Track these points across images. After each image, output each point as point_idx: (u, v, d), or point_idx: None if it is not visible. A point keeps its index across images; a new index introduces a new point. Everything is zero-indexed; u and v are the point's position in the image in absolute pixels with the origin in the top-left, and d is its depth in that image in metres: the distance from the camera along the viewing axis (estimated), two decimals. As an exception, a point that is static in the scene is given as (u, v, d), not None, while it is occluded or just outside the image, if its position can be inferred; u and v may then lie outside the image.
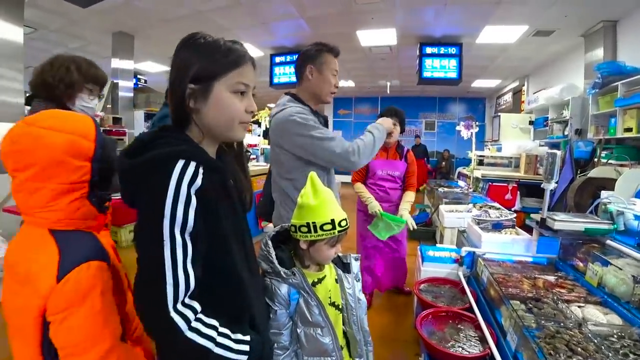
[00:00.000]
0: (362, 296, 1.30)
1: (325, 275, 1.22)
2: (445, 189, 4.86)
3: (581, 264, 1.90)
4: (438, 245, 2.82)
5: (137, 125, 5.40)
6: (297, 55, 1.73)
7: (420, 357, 1.76)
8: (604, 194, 2.61)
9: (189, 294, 0.73)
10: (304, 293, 1.13)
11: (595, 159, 4.00)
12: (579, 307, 1.57)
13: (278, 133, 1.62)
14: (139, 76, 6.96)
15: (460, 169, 6.87)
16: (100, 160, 0.97)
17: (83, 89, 1.45)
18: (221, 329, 0.77)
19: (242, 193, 0.93)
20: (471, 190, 4.89)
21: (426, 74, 5.45)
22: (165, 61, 7.24)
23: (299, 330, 1.13)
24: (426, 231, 4.51)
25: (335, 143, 1.57)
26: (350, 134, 11.44)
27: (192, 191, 0.73)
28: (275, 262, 1.11)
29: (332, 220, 1.11)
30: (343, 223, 1.14)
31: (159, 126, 0.84)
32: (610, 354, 1.23)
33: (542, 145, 5.15)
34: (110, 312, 0.94)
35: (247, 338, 0.82)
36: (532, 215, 2.17)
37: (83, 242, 0.95)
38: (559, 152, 1.88)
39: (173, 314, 0.70)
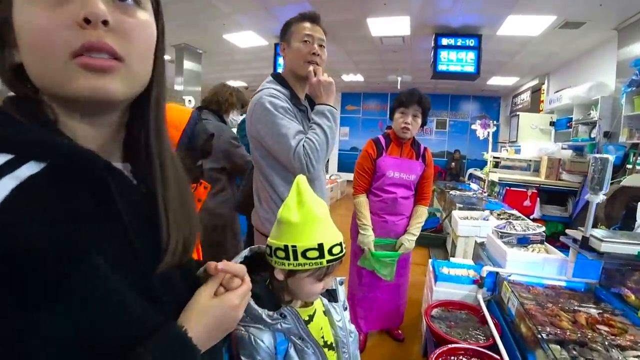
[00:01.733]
0: (352, 327, 1.02)
1: (315, 310, 0.92)
2: (457, 193, 4.50)
3: (632, 296, 1.56)
4: (452, 259, 2.46)
5: None
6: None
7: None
8: (644, 206, 2.26)
9: None
10: (296, 340, 0.82)
11: (629, 166, 3.61)
12: (638, 357, 1.23)
13: (248, 117, 1.39)
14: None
15: (471, 171, 6.49)
16: (185, 148, 1.09)
17: (235, 108, 2.17)
18: None
19: (155, 221, 0.47)
20: (485, 194, 4.53)
21: (441, 67, 5.05)
22: (166, 50, 7.04)
23: None
24: (436, 238, 4.16)
25: (292, 142, 1.28)
26: (359, 131, 11.09)
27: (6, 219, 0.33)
28: (252, 302, 0.78)
29: (320, 246, 0.80)
30: (336, 250, 0.82)
31: None
32: None
33: (565, 148, 4.75)
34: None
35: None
36: (567, 232, 1.81)
37: None
38: (611, 158, 1.52)
39: None
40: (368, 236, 1.97)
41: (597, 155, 1.54)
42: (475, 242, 2.44)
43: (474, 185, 5.54)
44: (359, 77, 8.80)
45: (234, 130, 2.38)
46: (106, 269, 0.38)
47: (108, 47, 0.39)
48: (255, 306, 0.79)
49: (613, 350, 1.24)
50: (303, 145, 1.27)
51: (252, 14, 4.82)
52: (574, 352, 1.24)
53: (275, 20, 5.02)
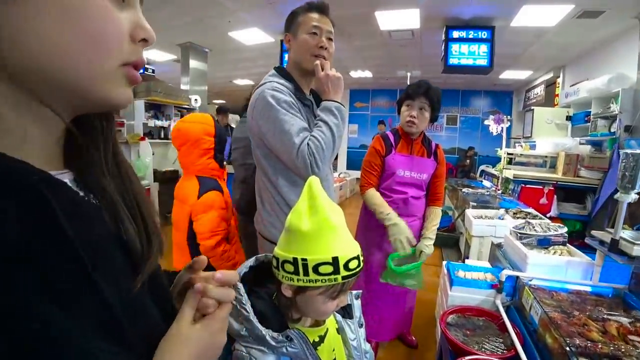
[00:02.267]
0: (367, 346, 0.92)
1: (327, 330, 0.82)
2: (470, 190, 4.36)
3: (667, 303, 1.43)
4: (467, 261, 2.34)
5: (138, 115, 4.98)
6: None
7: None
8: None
9: None
10: None
11: (652, 161, 3.43)
12: (679, 372, 1.11)
13: (250, 112, 1.31)
14: (146, 66, 6.67)
15: (483, 167, 6.32)
16: (217, 137, 1.66)
17: None
18: None
19: (126, 231, 0.42)
20: (499, 192, 4.38)
21: (452, 61, 4.89)
22: (172, 49, 7.05)
23: None
24: (449, 237, 4.04)
25: (296, 140, 1.19)
26: (367, 129, 10.93)
27: None
28: (255, 321, 0.70)
29: (335, 260, 0.69)
30: (353, 264, 0.71)
31: None
32: None
33: (583, 144, 4.56)
34: (222, 220, 1.63)
35: None
36: (593, 233, 1.69)
37: (211, 181, 1.67)
38: (642, 153, 1.39)
39: None
40: (399, 224, 1.75)
41: (629, 151, 1.41)
42: (492, 243, 2.32)
43: (486, 183, 5.38)
44: (368, 73, 8.66)
45: None
46: (57, 320, 0.30)
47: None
48: (259, 326, 0.70)
49: (650, 364, 1.13)
50: (308, 143, 1.18)
51: (257, 11, 4.73)
52: (607, 367, 1.13)
53: (281, 17, 4.89)
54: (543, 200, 3.86)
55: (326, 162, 1.25)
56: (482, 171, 6.24)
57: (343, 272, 0.70)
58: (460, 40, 4.83)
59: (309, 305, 0.75)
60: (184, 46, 6.34)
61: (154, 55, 6.99)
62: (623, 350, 1.20)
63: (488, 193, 4.25)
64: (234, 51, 6.63)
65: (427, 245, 1.86)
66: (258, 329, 0.69)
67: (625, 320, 1.42)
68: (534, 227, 1.99)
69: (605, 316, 1.44)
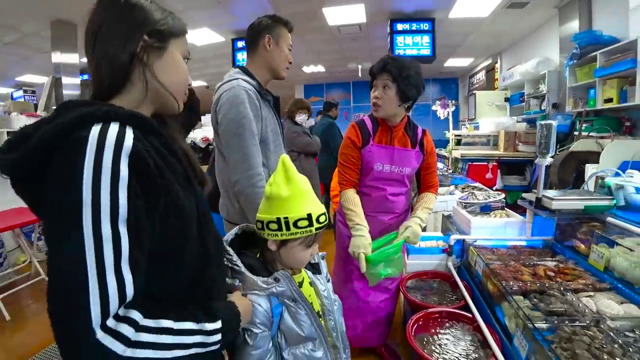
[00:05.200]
0: (336, 297, 1.10)
1: (303, 279, 1.01)
2: (425, 172, 4.67)
3: (582, 246, 1.71)
4: (423, 233, 2.58)
5: None
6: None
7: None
8: (590, 167, 2.46)
9: (124, 304, 0.54)
10: (290, 303, 0.91)
11: (575, 133, 3.89)
12: (589, 297, 1.37)
13: (215, 107, 1.43)
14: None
15: (436, 150, 6.73)
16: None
17: (298, 112, 3.79)
18: (179, 324, 0.60)
19: (193, 164, 0.74)
20: (450, 171, 4.72)
21: (398, 52, 5.17)
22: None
23: (285, 355, 0.91)
24: (407, 217, 4.32)
25: (251, 173, 1.37)
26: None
27: (122, 160, 0.54)
28: (246, 271, 0.87)
29: (309, 215, 0.89)
30: (322, 219, 0.91)
31: (61, 103, 0.64)
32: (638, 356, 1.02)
33: (519, 122, 5.03)
34: None
35: (218, 325, 0.67)
36: (524, 195, 1.96)
37: None
38: (554, 123, 1.66)
39: (101, 336, 0.51)
40: (364, 238, 1.49)
41: (543, 122, 1.68)
42: (443, 215, 2.57)
43: (439, 165, 5.75)
44: (320, 68, 8.82)
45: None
46: (180, 192, 0.64)
47: None
48: (251, 275, 0.87)
49: (568, 293, 1.38)
50: (254, 189, 1.34)
51: (207, 11, 4.72)
52: (535, 300, 1.37)
53: (231, 16, 4.95)
54: (489, 175, 4.24)
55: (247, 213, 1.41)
56: (436, 154, 6.64)
57: (316, 225, 0.90)
58: (404, 32, 5.12)
59: (290, 255, 0.93)
60: (131, 50, 6.15)
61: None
62: (547, 285, 1.45)
63: (440, 173, 4.57)
64: (184, 53, 6.53)
65: (414, 224, 1.58)
66: (250, 278, 0.86)
67: (551, 264, 1.69)
68: (476, 196, 2.25)
69: (535, 262, 1.70)
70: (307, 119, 3.88)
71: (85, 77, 5.89)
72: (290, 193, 0.89)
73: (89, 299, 0.50)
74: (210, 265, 0.72)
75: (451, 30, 5.76)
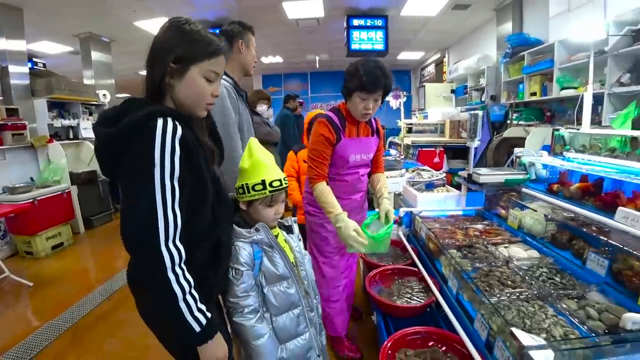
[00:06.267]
0: (306, 252, 1.37)
1: (278, 234, 1.26)
2: (380, 159, 5.05)
3: (503, 211, 2.11)
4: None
5: (40, 116, 4.57)
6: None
7: (373, 315, 1.84)
8: (516, 150, 2.92)
9: (177, 233, 0.84)
10: (267, 249, 1.16)
11: (508, 121, 4.43)
12: (504, 247, 1.75)
13: None
14: (34, 59, 6.02)
15: (390, 139, 7.18)
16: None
17: (259, 102, 3.76)
18: (193, 290, 0.87)
19: (210, 151, 1.03)
20: (402, 157, 5.15)
21: (354, 46, 5.50)
22: (66, 40, 6.50)
23: (265, 291, 1.15)
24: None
25: (235, 154, 1.59)
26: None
27: (176, 141, 0.84)
28: (235, 226, 1.14)
29: (263, 181, 1.15)
30: (275, 184, 1.17)
31: (127, 99, 0.93)
32: (532, 282, 1.40)
33: (463, 111, 5.56)
34: None
35: (209, 315, 0.90)
36: (459, 173, 2.34)
37: None
38: (480, 113, 2.03)
39: (163, 249, 0.81)
40: (348, 224, 1.56)
41: (471, 112, 2.04)
42: (394, 194, 2.93)
43: (392, 151, 6.19)
44: (279, 59, 8.95)
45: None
46: (202, 166, 0.95)
47: None
48: (237, 227, 1.13)
49: (489, 246, 1.75)
50: (236, 168, 1.45)
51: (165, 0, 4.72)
52: (464, 252, 1.73)
53: (189, 5, 4.97)
54: (436, 160, 4.71)
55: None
56: (390, 142, 7.09)
57: (269, 188, 1.15)
58: (359, 27, 5.44)
59: (256, 212, 1.19)
60: (82, 37, 5.92)
61: (45, 47, 6.37)
62: (474, 241, 1.82)
63: (393, 159, 4.97)
64: (139, 41, 6.37)
65: (390, 206, 1.78)
66: (236, 229, 1.13)
67: (480, 226, 2.07)
68: (422, 176, 2.61)
69: (467, 226, 2.07)
70: (267, 109, 4.02)
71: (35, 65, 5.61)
72: (250, 165, 1.15)
73: (158, 223, 0.81)
74: (221, 211, 1.03)
75: (403, 27, 6.17)
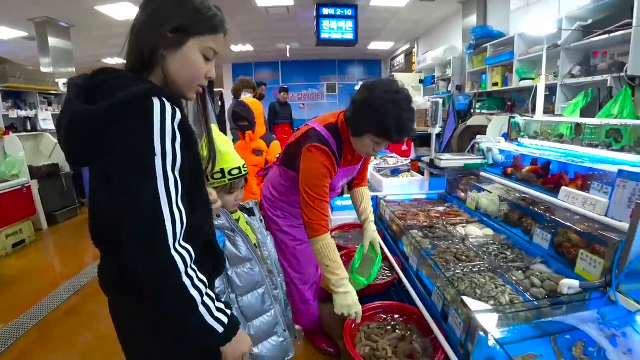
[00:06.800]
0: (268, 233, 1.41)
1: (239, 218, 1.31)
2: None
3: (463, 194, 2.23)
4: (345, 195, 3.00)
5: None
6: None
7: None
8: (478, 137, 3.06)
9: (183, 231, 0.72)
10: (229, 232, 1.19)
11: (472, 110, 4.61)
12: (462, 227, 1.86)
13: None
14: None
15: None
16: None
17: (244, 91, 3.95)
18: (208, 290, 0.77)
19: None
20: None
21: (324, 35, 5.51)
22: (20, 24, 6.11)
23: (229, 273, 1.18)
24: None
25: None
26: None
27: (176, 126, 0.71)
28: None
29: (222, 170, 1.19)
30: (235, 172, 1.21)
31: (98, 69, 0.80)
32: (485, 257, 1.50)
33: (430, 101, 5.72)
34: None
35: (228, 312, 0.81)
36: (422, 159, 2.44)
37: None
38: (440, 101, 2.13)
39: (174, 253, 0.69)
40: (353, 292, 1.38)
41: (432, 100, 2.13)
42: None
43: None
44: (249, 47, 8.80)
45: None
46: (199, 157, 0.86)
47: None
48: None
49: (448, 226, 1.86)
50: None
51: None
52: (425, 232, 1.83)
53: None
54: (404, 148, 4.82)
55: None
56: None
57: (228, 177, 1.19)
58: (329, 16, 5.45)
59: (221, 197, 1.19)
60: (38, 21, 5.58)
61: (-2, 32, 5.97)
62: (435, 222, 1.93)
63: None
64: (102, 27, 6.11)
65: (375, 233, 1.65)
66: None
67: (441, 209, 2.18)
68: (388, 162, 2.70)
69: (429, 208, 2.18)
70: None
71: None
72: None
73: (165, 223, 0.68)
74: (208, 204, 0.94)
75: (373, 16, 6.22)
